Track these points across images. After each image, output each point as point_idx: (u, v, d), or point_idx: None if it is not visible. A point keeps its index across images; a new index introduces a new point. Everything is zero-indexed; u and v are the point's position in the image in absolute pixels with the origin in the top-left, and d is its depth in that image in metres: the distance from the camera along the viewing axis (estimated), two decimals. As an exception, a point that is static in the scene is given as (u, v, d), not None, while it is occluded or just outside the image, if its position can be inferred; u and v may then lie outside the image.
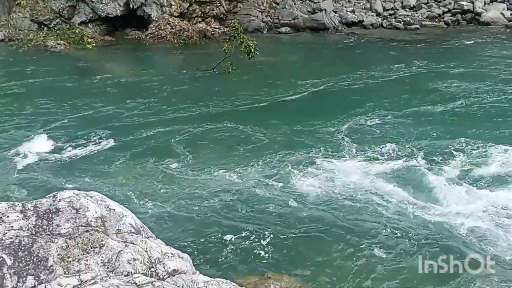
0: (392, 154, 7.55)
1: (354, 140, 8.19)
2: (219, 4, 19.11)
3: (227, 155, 7.69)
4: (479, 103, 9.88)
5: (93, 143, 8.21)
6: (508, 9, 19.45)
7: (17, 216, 2.54)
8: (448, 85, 11.16)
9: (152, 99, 10.74)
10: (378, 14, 20.53)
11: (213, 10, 19.07)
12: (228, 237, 5.49)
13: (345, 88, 11.52)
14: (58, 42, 16.05)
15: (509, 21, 18.88)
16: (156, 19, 17.94)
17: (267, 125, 8.89)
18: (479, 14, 19.33)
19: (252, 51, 13.36)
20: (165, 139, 8.37)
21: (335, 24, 19.29)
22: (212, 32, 18.16)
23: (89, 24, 17.69)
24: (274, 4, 20.26)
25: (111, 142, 8.27)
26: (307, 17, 19.55)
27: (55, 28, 17.33)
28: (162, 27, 17.75)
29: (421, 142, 8.00)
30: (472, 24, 19.30)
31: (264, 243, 5.36)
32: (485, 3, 19.96)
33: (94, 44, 16.53)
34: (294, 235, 5.56)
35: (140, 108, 10.19)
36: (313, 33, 18.89)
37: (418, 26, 19.27)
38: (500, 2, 19.91)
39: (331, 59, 14.85)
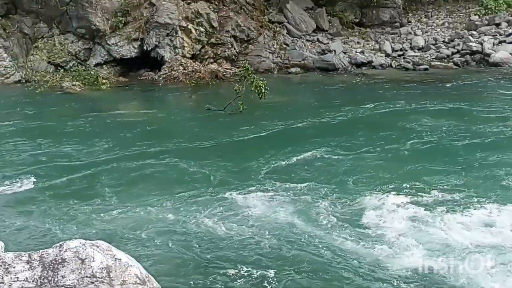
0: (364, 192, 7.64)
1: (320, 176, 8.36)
2: (230, 46, 19.56)
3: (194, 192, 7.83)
4: (477, 141, 9.97)
5: (72, 180, 8.31)
6: (517, 50, 19.56)
7: (23, 267, 2.55)
8: (450, 124, 11.25)
9: (156, 138, 10.93)
10: (387, 55, 20.81)
11: (225, 51, 19.51)
12: (219, 279, 5.46)
13: (340, 124, 11.85)
14: (74, 83, 16.48)
15: (518, 61, 18.95)
16: (169, 60, 18.39)
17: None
18: (488, 55, 19.45)
19: (263, 91, 13.54)
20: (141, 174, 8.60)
21: (345, 64, 19.56)
22: (224, 73, 18.52)
23: (104, 66, 18.23)
24: (284, 46, 20.69)
25: (98, 178, 8.42)
26: (316, 58, 19.89)
27: (71, 69, 17.87)
28: (175, 68, 18.16)
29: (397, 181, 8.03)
30: (481, 65, 19.35)
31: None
32: (493, 44, 20.12)
33: (109, 85, 16.93)
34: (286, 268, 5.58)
35: (140, 145, 10.36)
36: (322, 73, 19.15)
37: (427, 66, 19.44)
38: (509, 43, 20.06)
39: (337, 99, 14.95)
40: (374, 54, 20.73)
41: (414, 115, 12.23)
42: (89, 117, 12.89)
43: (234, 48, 19.63)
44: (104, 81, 16.93)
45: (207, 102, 14.71)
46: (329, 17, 23.02)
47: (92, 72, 17.34)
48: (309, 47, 21.13)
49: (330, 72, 19.19)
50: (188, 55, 18.72)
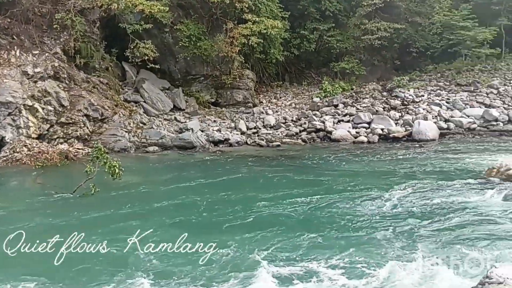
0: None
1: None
2: (83, 125, 18.72)
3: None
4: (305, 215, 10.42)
5: None
6: (353, 128, 22.11)
7: None
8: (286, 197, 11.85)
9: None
10: (243, 133, 21.87)
11: (77, 131, 18.58)
12: None
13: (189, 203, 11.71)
14: None
15: (355, 138, 21.36)
16: (11, 142, 16.80)
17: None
18: (330, 133, 21.67)
19: (117, 171, 12.96)
20: None
21: (202, 142, 19.94)
22: (75, 153, 17.44)
23: None
24: (141, 124, 20.49)
25: None
26: (174, 137, 19.99)
27: None
28: (18, 150, 16.61)
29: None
30: (325, 141, 21.50)
31: None
32: (334, 123, 22.53)
33: None
34: None
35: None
36: (181, 151, 19.23)
37: (279, 143, 20.82)
38: (346, 122, 22.63)
39: (192, 176, 14.87)
40: (231, 132, 21.60)
41: (274, 189, 12.81)
42: None
43: (87, 127, 18.81)
44: None
45: (54, 185, 13.48)
46: (186, 97, 23.69)
47: None
48: (167, 126, 21.25)
49: (189, 150, 19.35)
50: (34, 135, 17.37)
